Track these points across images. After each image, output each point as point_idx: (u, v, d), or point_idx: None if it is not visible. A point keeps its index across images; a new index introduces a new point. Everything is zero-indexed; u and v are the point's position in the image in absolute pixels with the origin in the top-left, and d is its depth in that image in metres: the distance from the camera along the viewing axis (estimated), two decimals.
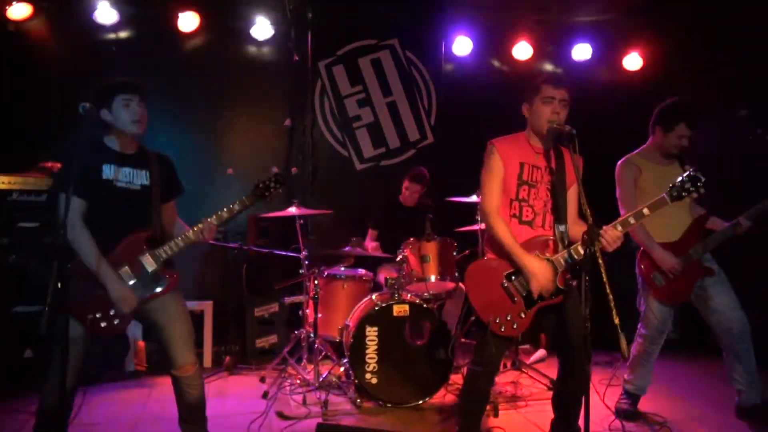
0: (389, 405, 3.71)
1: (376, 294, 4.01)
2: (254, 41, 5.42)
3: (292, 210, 4.12)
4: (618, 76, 6.03)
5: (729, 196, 3.79)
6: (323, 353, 4.20)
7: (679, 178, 2.60)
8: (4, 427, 3.34)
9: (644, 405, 3.57)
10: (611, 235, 2.51)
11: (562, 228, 2.70)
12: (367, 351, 3.72)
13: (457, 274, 4.03)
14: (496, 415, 3.52)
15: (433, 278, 3.94)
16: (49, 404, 2.52)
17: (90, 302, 2.54)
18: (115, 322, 2.57)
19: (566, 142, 2.63)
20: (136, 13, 5.07)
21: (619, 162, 3.48)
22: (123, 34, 5.11)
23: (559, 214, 2.72)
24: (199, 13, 5.15)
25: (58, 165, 4.17)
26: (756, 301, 3.59)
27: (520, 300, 2.65)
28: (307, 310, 4.23)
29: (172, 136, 4.99)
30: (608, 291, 2.18)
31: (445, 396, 3.82)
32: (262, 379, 4.25)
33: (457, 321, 4.53)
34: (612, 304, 2.17)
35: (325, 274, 4.23)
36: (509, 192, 2.74)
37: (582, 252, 2.53)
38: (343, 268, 4.44)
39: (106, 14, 4.91)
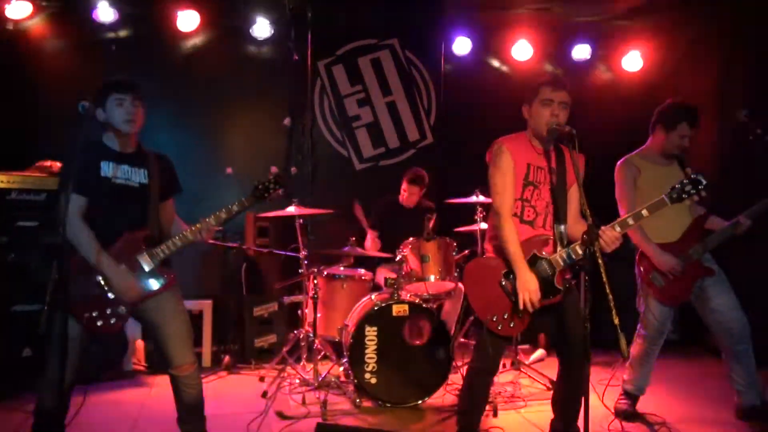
0: (388, 405, 3.71)
1: (376, 294, 4.01)
2: (254, 40, 5.42)
3: (292, 209, 4.12)
4: (617, 77, 6.03)
5: (729, 196, 3.79)
6: (322, 353, 4.19)
7: (681, 181, 2.59)
8: (3, 426, 3.33)
9: (643, 405, 3.57)
10: (609, 236, 2.51)
11: (561, 228, 2.70)
12: (367, 351, 3.72)
13: (456, 274, 4.02)
14: (495, 415, 3.52)
15: (432, 278, 3.93)
16: (47, 403, 2.52)
17: (87, 301, 2.53)
18: (112, 321, 2.57)
19: (566, 142, 2.63)
20: (135, 12, 5.07)
21: (618, 162, 3.48)
22: (122, 33, 5.10)
23: (559, 213, 2.72)
24: (198, 12, 5.14)
25: (58, 164, 4.17)
26: (756, 301, 3.59)
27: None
28: (307, 310, 4.23)
29: (172, 135, 4.99)
30: (608, 291, 2.17)
31: (444, 396, 3.82)
32: (262, 379, 4.24)
33: (456, 321, 4.53)
34: (612, 305, 2.16)
35: (325, 273, 4.22)
36: (515, 191, 2.74)
37: (580, 252, 2.53)
38: (342, 268, 4.44)
39: (105, 13, 4.90)
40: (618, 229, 2.57)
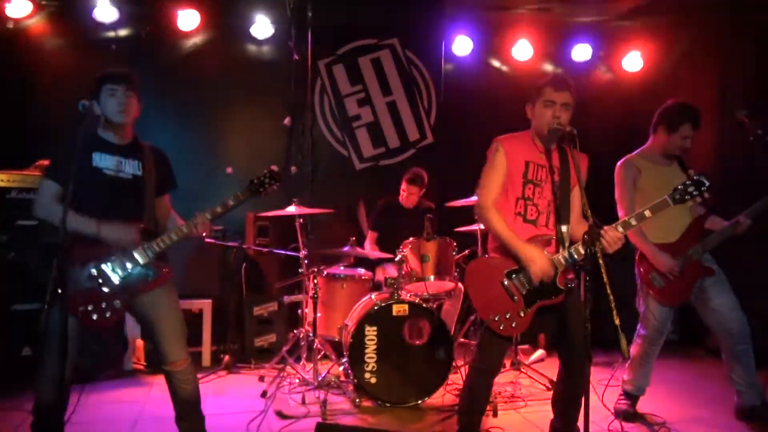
0: (388, 404, 3.71)
1: (376, 293, 4.01)
2: (254, 40, 5.42)
3: (292, 209, 4.12)
4: (618, 77, 6.04)
5: (729, 196, 3.79)
6: (322, 352, 4.19)
7: (684, 182, 2.59)
8: (2, 426, 3.33)
9: (643, 406, 3.57)
10: (612, 236, 2.51)
11: (564, 228, 2.70)
12: (367, 350, 3.72)
13: (456, 274, 4.03)
14: (495, 415, 3.52)
15: (432, 278, 3.93)
16: (45, 399, 2.52)
17: (81, 294, 2.52)
18: (107, 315, 2.55)
19: (568, 143, 2.63)
20: (135, 12, 5.07)
21: (618, 162, 3.48)
22: (123, 32, 5.10)
23: (561, 213, 2.72)
24: (199, 12, 5.14)
25: None
26: (756, 301, 3.59)
27: (519, 299, 2.65)
28: (307, 310, 4.23)
29: (172, 134, 4.98)
30: (609, 291, 2.17)
31: (444, 396, 3.82)
32: (261, 378, 4.24)
33: (456, 321, 4.53)
34: (613, 305, 2.16)
35: (325, 273, 4.22)
36: (515, 190, 2.75)
37: (583, 252, 2.53)
38: (342, 268, 4.44)
39: (105, 12, 4.90)
40: (621, 229, 2.57)
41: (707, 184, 2.56)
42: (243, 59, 5.46)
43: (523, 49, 5.82)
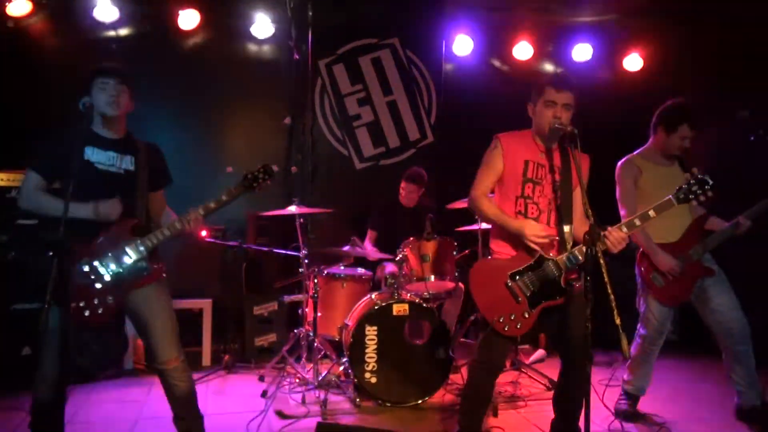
0: (388, 404, 3.71)
1: (376, 293, 4.01)
2: (254, 39, 5.41)
3: (292, 209, 4.11)
4: (618, 77, 6.03)
5: (729, 196, 3.78)
6: (322, 352, 4.18)
7: (688, 181, 2.59)
8: (2, 425, 3.33)
9: (643, 406, 3.57)
10: (616, 237, 2.51)
11: (567, 228, 2.70)
12: (367, 350, 3.72)
13: (456, 274, 4.02)
14: (495, 415, 3.52)
15: (432, 278, 3.93)
16: (42, 398, 2.51)
17: (73, 291, 2.50)
18: (99, 311, 2.53)
19: (569, 142, 2.63)
20: (136, 11, 5.06)
21: (619, 162, 3.48)
22: (123, 32, 5.09)
23: (564, 213, 2.72)
24: (199, 11, 5.13)
25: None
26: (756, 302, 3.58)
27: (524, 300, 2.65)
28: (307, 309, 4.23)
29: (172, 133, 4.98)
30: (610, 291, 2.17)
31: (444, 396, 3.82)
32: (261, 378, 4.24)
33: (456, 320, 4.53)
34: (613, 305, 2.16)
35: (325, 273, 4.22)
36: (514, 189, 2.75)
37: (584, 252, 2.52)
38: (342, 267, 4.44)
39: (106, 11, 4.89)
40: (625, 229, 2.57)
41: (711, 182, 2.56)
42: (243, 59, 5.45)
43: (523, 49, 5.82)
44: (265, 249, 4.68)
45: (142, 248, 2.60)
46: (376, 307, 3.73)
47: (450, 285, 4.05)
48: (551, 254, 2.67)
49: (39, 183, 2.59)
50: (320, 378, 3.86)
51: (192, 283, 4.80)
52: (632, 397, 3.52)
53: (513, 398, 3.84)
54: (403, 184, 4.87)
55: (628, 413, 3.47)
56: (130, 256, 2.59)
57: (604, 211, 2.80)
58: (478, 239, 4.27)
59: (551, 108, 2.67)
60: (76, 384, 4.02)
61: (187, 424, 2.75)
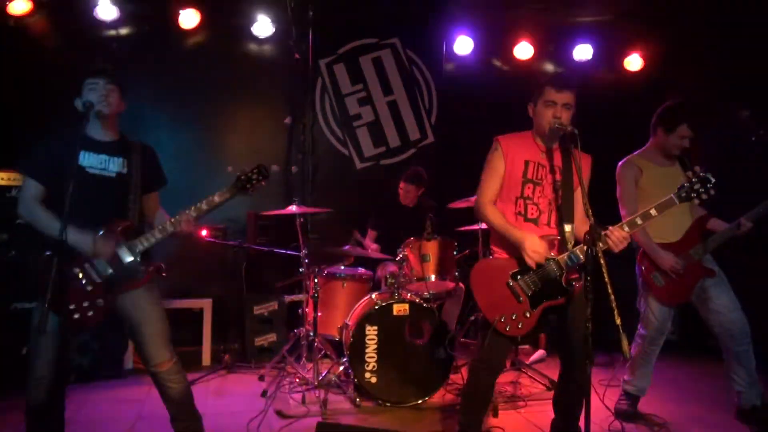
0: (388, 404, 3.70)
1: (376, 293, 4.01)
2: (255, 39, 5.41)
3: (292, 208, 4.11)
4: (619, 77, 6.03)
5: (730, 197, 3.78)
6: (322, 352, 4.19)
7: (690, 179, 2.58)
8: (2, 425, 3.33)
9: (644, 406, 3.57)
10: (618, 236, 2.51)
11: (568, 228, 2.70)
12: (367, 350, 3.72)
13: (457, 274, 4.02)
14: (495, 415, 3.51)
15: (432, 278, 3.93)
16: (34, 401, 2.49)
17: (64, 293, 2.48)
18: (90, 314, 2.52)
19: (569, 142, 2.63)
20: (136, 10, 5.06)
21: (620, 162, 3.48)
22: (123, 31, 5.09)
23: (565, 213, 2.71)
24: (199, 11, 5.13)
25: None
26: (756, 302, 3.58)
27: (525, 299, 2.65)
28: (307, 309, 4.22)
29: (172, 133, 4.98)
30: (610, 291, 2.17)
31: (444, 395, 3.82)
32: (261, 378, 4.24)
33: (456, 320, 4.53)
34: (614, 305, 2.16)
35: (325, 272, 4.22)
36: (514, 189, 2.75)
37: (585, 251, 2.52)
38: (342, 267, 4.43)
39: (106, 11, 4.89)
40: (626, 229, 2.57)
41: (713, 181, 2.56)
42: (244, 58, 5.45)
43: (524, 49, 5.82)
44: (266, 249, 4.68)
45: (133, 250, 2.59)
46: (376, 307, 3.73)
47: (450, 285, 4.05)
48: (552, 254, 2.67)
49: (37, 192, 2.57)
50: (320, 378, 3.86)
51: (192, 283, 4.80)
52: (632, 398, 3.52)
53: (513, 398, 3.84)
54: (401, 185, 4.87)
55: (629, 413, 3.47)
56: (122, 259, 2.58)
57: (604, 211, 2.80)
58: (478, 239, 4.27)
59: (551, 108, 2.66)
60: (76, 384, 4.02)
61: (185, 425, 2.73)
